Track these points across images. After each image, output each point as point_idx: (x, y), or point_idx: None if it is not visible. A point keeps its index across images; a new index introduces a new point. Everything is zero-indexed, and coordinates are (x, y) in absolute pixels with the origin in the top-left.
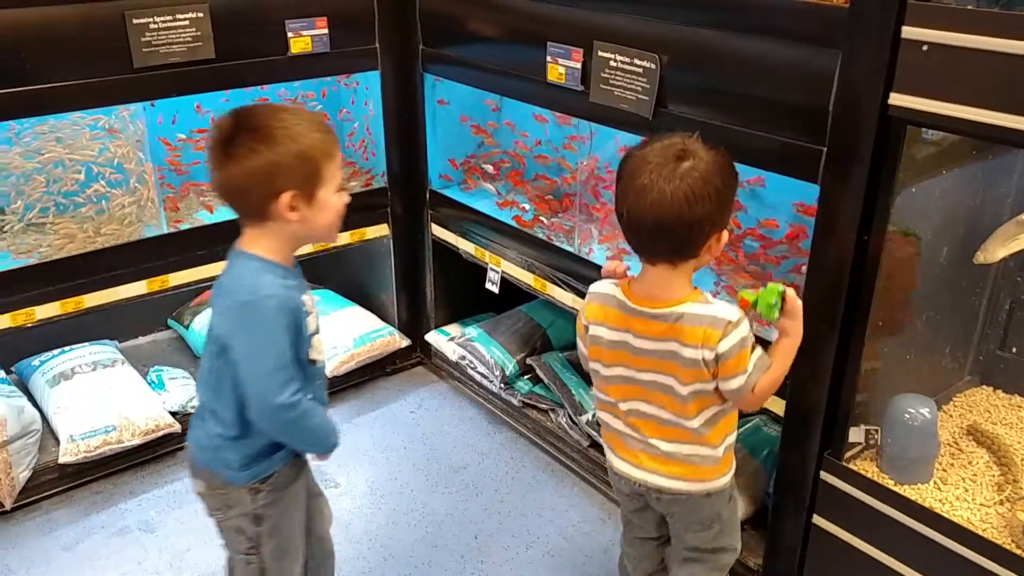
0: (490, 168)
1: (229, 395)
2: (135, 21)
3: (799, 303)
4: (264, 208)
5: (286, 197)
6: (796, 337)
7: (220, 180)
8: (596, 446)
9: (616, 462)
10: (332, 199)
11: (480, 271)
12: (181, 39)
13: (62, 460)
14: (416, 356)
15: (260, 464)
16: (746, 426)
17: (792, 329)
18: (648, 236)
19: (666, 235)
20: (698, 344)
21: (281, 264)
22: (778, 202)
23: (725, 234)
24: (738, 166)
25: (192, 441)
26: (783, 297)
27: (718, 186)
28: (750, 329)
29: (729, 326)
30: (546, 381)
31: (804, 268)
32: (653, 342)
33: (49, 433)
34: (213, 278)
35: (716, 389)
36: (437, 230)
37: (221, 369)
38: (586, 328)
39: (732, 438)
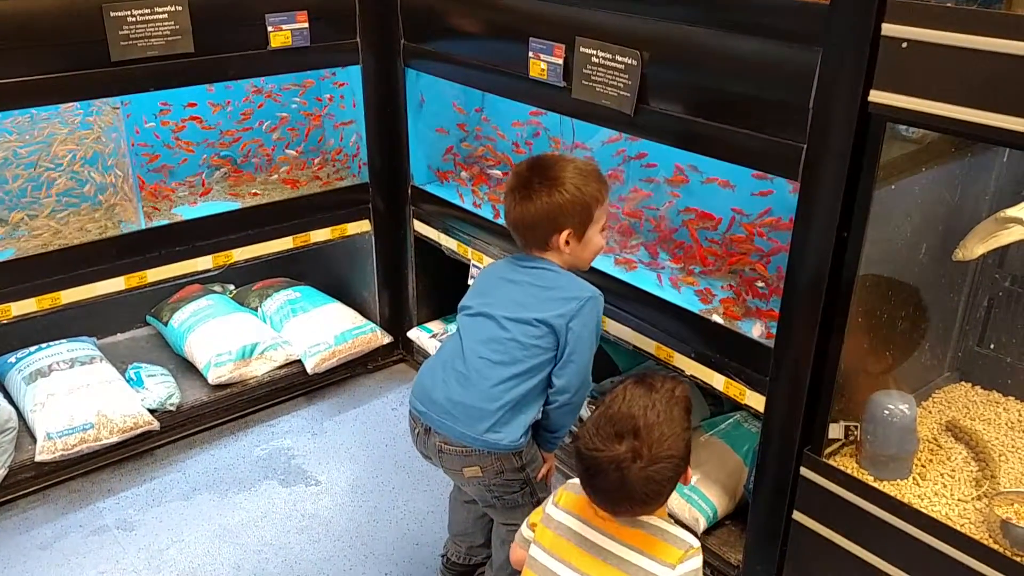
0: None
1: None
2: (113, 14)
3: None
4: (546, 240)
5: (564, 234)
6: None
7: (516, 215)
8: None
9: None
10: (596, 237)
11: (463, 267)
12: (159, 33)
13: (39, 458)
14: (398, 353)
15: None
16: (727, 422)
17: None
18: (614, 512)
19: (629, 512)
20: (658, 559)
21: None
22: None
23: (689, 471)
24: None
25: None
26: None
27: (669, 475)
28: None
29: (691, 551)
30: None
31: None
32: (612, 543)
33: (26, 431)
34: (191, 274)
35: None
36: (419, 226)
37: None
38: (544, 507)
39: None
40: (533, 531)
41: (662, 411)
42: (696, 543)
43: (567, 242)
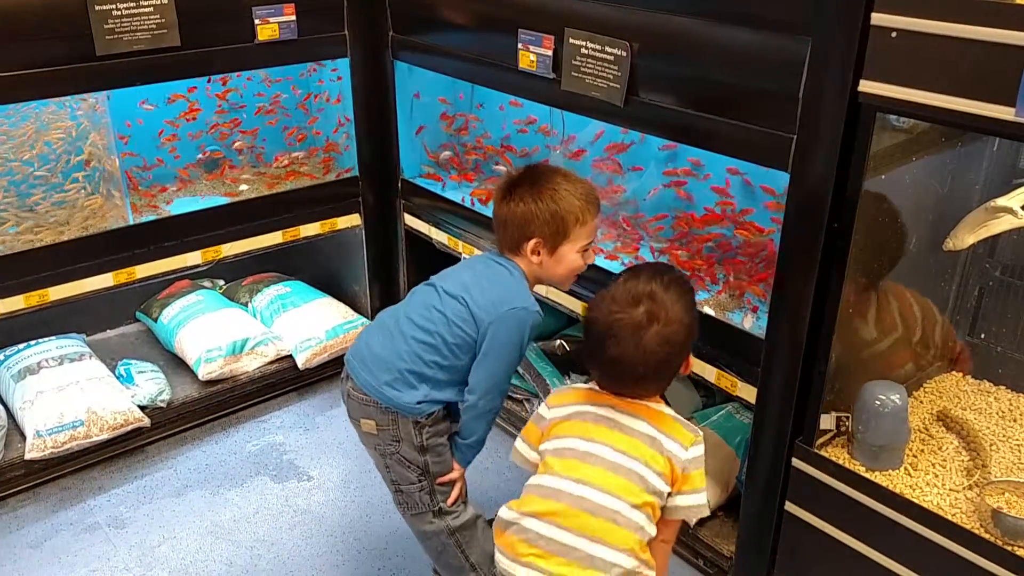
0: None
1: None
2: (98, 8)
3: None
4: (518, 244)
5: (533, 242)
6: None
7: (495, 212)
8: None
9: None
10: (571, 256)
11: (453, 261)
12: (145, 26)
13: (28, 456)
14: None
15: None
16: (719, 413)
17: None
18: (616, 389)
19: (634, 388)
20: (674, 437)
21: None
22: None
23: (691, 357)
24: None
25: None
26: None
27: (681, 340)
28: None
29: (698, 438)
30: (520, 371)
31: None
32: (629, 418)
33: (15, 428)
34: (180, 270)
35: (662, 509)
36: (410, 220)
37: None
38: (540, 419)
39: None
40: (530, 448)
41: (672, 286)
42: (700, 433)
43: (536, 252)
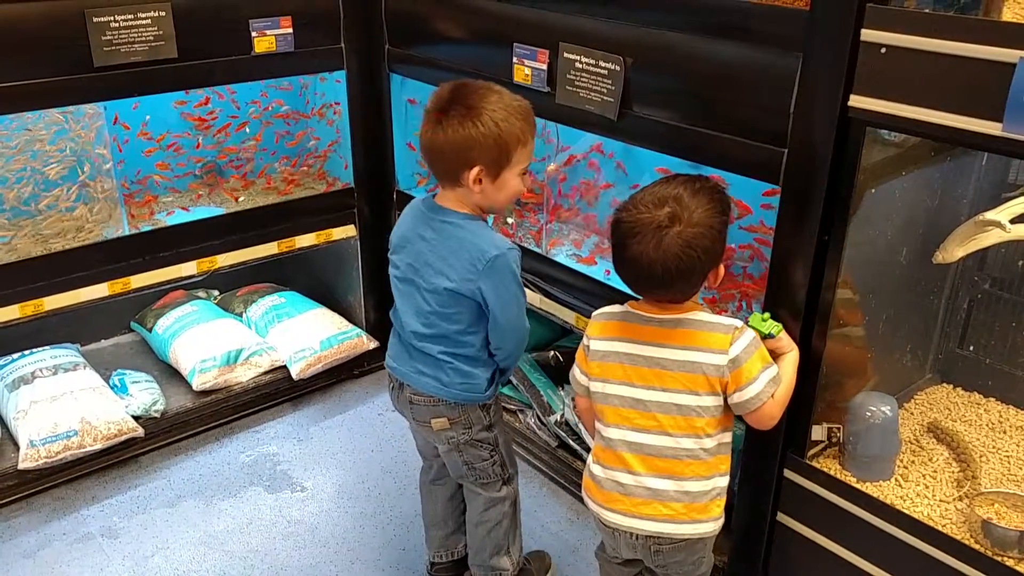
0: None
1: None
2: (95, 20)
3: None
4: (456, 175)
5: (475, 171)
6: (792, 348)
7: (427, 141)
8: (564, 447)
9: (608, 515)
10: (513, 181)
11: None
12: (143, 38)
13: (22, 466)
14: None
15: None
16: None
17: (787, 344)
18: (643, 292)
19: (659, 291)
20: (709, 348)
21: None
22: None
23: (721, 268)
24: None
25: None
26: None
27: (706, 245)
28: (756, 336)
29: (736, 331)
30: (514, 382)
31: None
32: (660, 349)
33: (9, 438)
34: (175, 280)
35: (726, 409)
36: None
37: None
38: (587, 349)
39: (728, 472)
40: (583, 375)
41: (702, 193)
42: (739, 323)
43: (478, 180)
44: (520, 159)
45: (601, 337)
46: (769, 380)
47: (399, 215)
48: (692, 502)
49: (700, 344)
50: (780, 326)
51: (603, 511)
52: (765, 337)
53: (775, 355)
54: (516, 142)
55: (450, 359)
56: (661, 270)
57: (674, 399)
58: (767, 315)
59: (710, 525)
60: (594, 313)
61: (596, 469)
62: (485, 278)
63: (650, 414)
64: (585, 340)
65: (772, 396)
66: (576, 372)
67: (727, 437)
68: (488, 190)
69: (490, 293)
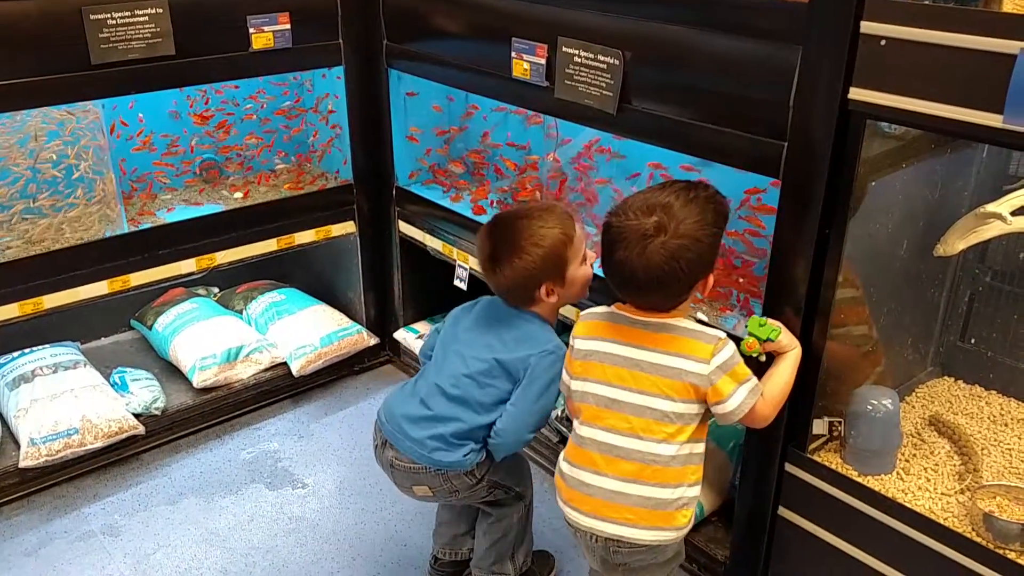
0: (457, 169)
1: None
2: (92, 17)
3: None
4: (532, 299)
5: (543, 289)
6: (794, 346)
7: (494, 285)
8: (565, 442)
9: (571, 512)
10: (578, 273)
11: (449, 268)
12: (140, 35)
13: (23, 464)
14: (384, 354)
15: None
16: (712, 419)
17: (788, 342)
18: (627, 297)
19: (641, 298)
20: (691, 356)
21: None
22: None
23: (711, 279)
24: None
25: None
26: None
27: (690, 258)
28: (736, 351)
29: (720, 342)
30: None
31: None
32: (641, 351)
33: (9, 437)
34: (175, 278)
35: (701, 419)
36: (404, 227)
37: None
38: (572, 348)
39: (699, 484)
40: (567, 375)
41: (695, 203)
42: (723, 335)
43: (550, 293)
44: (575, 254)
45: (586, 336)
46: (748, 392)
47: (398, 211)
48: (655, 509)
49: (682, 351)
50: (779, 329)
51: (567, 508)
52: (765, 341)
53: (777, 355)
54: (564, 246)
55: (455, 424)
56: (643, 278)
57: (648, 402)
58: (765, 319)
59: (672, 533)
60: (582, 313)
61: (564, 466)
62: (534, 365)
63: (623, 415)
64: (571, 340)
65: (753, 407)
66: (564, 374)
67: (699, 448)
68: (561, 293)
69: (531, 378)
